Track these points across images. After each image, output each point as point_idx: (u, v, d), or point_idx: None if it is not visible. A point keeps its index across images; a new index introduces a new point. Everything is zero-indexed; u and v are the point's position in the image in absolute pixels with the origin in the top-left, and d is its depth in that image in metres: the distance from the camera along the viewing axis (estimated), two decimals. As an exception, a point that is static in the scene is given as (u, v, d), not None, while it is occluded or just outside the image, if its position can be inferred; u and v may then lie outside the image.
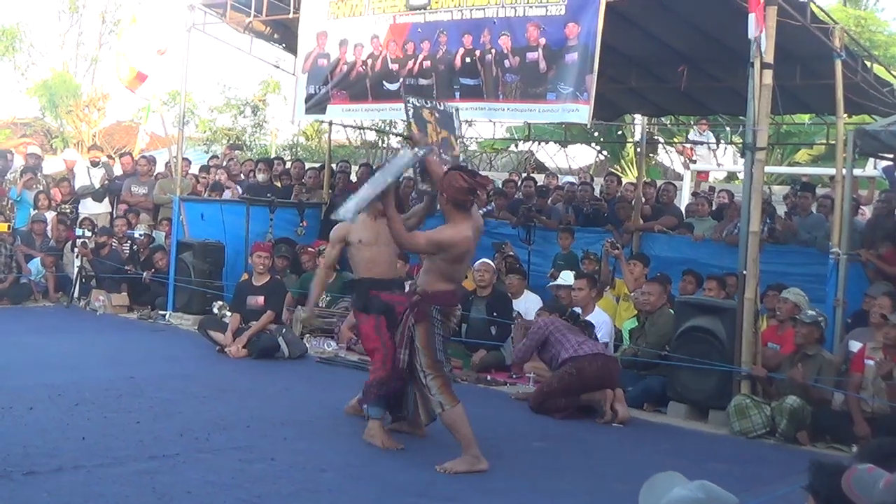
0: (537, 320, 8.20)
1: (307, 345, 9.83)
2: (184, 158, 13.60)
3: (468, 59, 9.63)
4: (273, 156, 20.89)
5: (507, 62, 9.31)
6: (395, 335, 6.27)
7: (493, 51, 9.37)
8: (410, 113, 6.75)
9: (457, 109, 7.43)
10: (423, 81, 10.01)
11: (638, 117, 15.33)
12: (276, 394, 7.83)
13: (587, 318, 8.66)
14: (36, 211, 13.44)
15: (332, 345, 9.95)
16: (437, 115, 6.90)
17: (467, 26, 9.61)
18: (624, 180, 15.50)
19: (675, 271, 9.88)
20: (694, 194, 14.90)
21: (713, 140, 17.61)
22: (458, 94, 9.76)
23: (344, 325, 10.04)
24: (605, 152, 24.21)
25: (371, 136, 23.44)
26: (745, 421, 7.26)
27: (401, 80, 10.12)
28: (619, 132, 21.69)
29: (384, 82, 10.28)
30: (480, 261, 9.92)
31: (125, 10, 28.74)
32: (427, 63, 9.96)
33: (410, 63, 10.07)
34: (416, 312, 5.92)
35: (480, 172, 6.88)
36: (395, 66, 10.21)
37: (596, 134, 21.93)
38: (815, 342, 7.44)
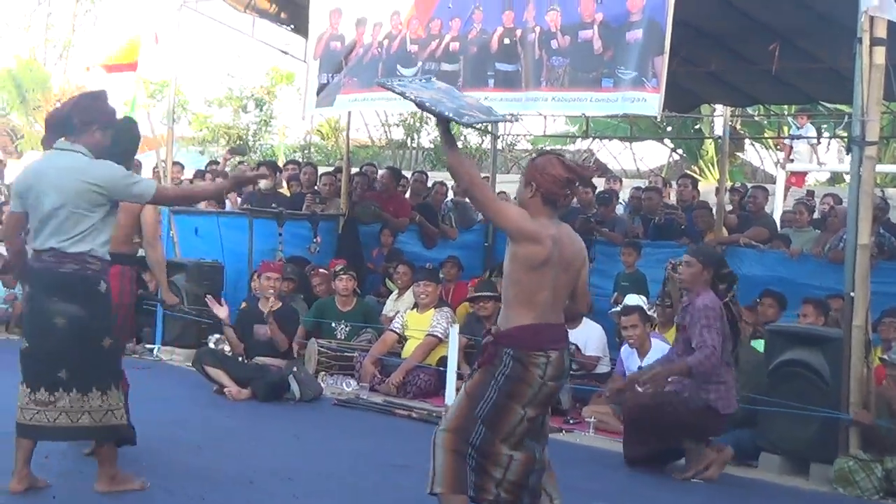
0: (700, 300, 7.44)
1: (322, 384, 9.85)
2: (175, 162, 13.71)
3: (507, 41, 9.64)
4: (283, 159, 21.05)
5: (554, 42, 9.30)
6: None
7: (536, 29, 9.37)
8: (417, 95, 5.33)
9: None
10: (446, 67, 10.02)
11: (719, 107, 15.26)
12: (284, 442, 7.85)
13: (644, 358, 8.58)
14: (-1, 226, 13.59)
15: (351, 384, 9.97)
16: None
17: (510, 0, 9.61)
18: (702, 184, 15.43)
19: (768, 295, 9.81)
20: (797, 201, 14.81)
21: (813, 134, 17.51)
22: (491, 83, 9.77)
23: (366, 359, 10.09)
24: (679, 150, 24.13)
25: (398, 134, 23.53)
26: (851, 488, 7.16)
27: (419, 63, 10.13)
28: (697, 126, 21.62)
29: (399, 66, 10.32)
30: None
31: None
32: (455, 45, 9.99)
33: (433, 44, 10.10)
34: (483, 357, 5.23)
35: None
36: (413, 48, 10.23)
37: (668, 129, 21.88)
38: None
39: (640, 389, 7.59)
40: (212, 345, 10.29)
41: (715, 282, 7.46)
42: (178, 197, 6.52)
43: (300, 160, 21.49)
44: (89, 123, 5.91)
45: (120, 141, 6.36)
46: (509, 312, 5.14)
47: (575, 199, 13.34)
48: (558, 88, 9.35)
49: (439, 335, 9.82)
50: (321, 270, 11.77)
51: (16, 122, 30.68)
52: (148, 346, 11.67)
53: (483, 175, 16.87)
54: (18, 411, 5.79)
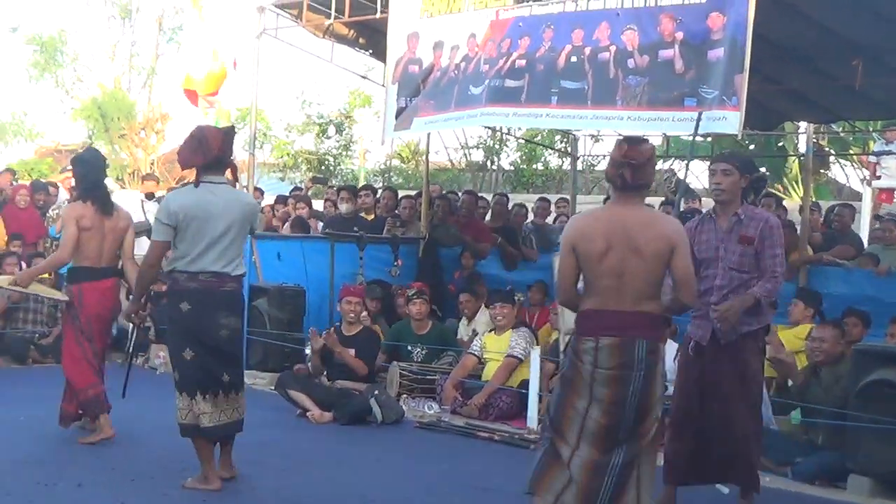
0: (771, 217, 6.98)
1: (404, 407, 9.89)
2: (256, 188, 13.88)
3: (574, 58, 9.63)
4: (362, 182, 21.23)
5: (630, 62, 9.28)
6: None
7: (612, 48, 9.36)
8: None
9: None
10: (510, 83, 10.03)
11: (802, 125, 15.08)
12: (366, 466, 7.88)
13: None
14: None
15: (433, 407, 9.99)
16: None
17: (581, 19, 9.62)
18: (787, 202, 15.24)
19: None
20: (876, 216, 14.56)
21: (901, 150, 17.22)
22: (554, 100, 9.75)
23: (447, 382, 10.10)
24: (762, 169, 23.87)
25: (478, 156, 23.55)
26: (941, 506, 7.02)
27: (486, 81, 10.16)
28: (780, 144, 21.40)
29: (470, 86, 10.37)
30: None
31: (185, 14, 29.45)
32: (521, 62, 9.99)
33: (501, 61, 10.12)
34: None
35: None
36: (485, 67, 10.28)
37: (751, 147, 21.67)
38: None
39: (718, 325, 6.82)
40: (308, 351, 10.38)
41: (744, 191, 7.00)
42: None
43: (380, 185, 21.63)
44: (231, 157, 6.73)
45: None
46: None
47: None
48: (635, 107, 9.32)
49: (519, 356, 9.80)
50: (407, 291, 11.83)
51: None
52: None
53: (561, 196, 16.83)
54: (195, 418, 6.69)
